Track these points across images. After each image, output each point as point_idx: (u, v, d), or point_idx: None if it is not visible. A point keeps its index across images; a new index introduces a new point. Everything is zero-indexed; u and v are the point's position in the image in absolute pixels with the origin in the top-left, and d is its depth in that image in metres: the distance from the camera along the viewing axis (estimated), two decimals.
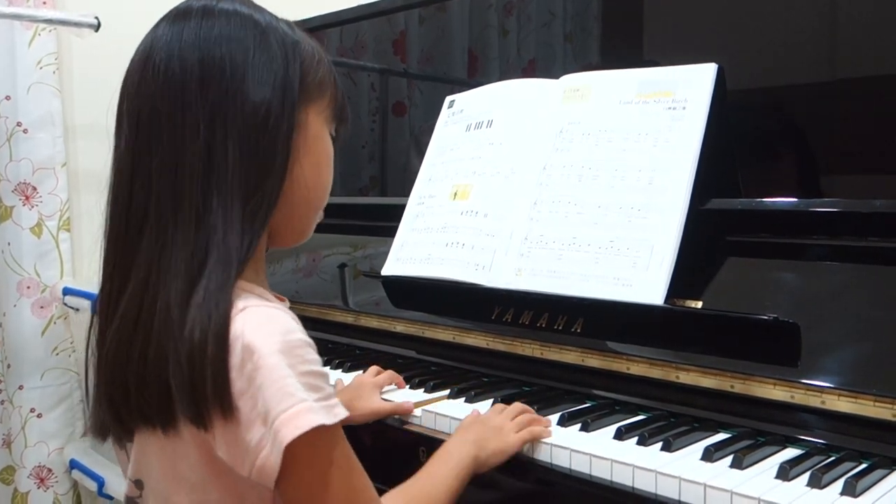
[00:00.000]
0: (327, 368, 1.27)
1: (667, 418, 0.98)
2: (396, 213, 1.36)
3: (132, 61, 0.76)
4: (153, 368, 0.69)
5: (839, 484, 0.78)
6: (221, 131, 0.72)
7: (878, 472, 0.81)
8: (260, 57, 0.74)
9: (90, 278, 2.06)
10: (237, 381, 0.67)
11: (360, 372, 1.21)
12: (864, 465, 0.82)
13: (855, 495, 0.76)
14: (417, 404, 1.06)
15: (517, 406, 0.97)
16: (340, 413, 0.70)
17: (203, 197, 0.71)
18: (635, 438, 0.90)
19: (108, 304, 0.74)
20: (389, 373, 1.14)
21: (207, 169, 0.71)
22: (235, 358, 0.67)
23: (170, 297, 0.69)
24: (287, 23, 0.79)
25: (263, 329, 0.68)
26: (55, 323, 2.05)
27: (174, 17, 0.76)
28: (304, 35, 0.80)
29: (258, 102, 0.73)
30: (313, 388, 0.68)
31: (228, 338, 0.67)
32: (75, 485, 2.09)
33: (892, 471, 0.82)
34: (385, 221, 1.40)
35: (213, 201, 0.71)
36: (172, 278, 0.69)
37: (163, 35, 0.74)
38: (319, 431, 0.67)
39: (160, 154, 0.72)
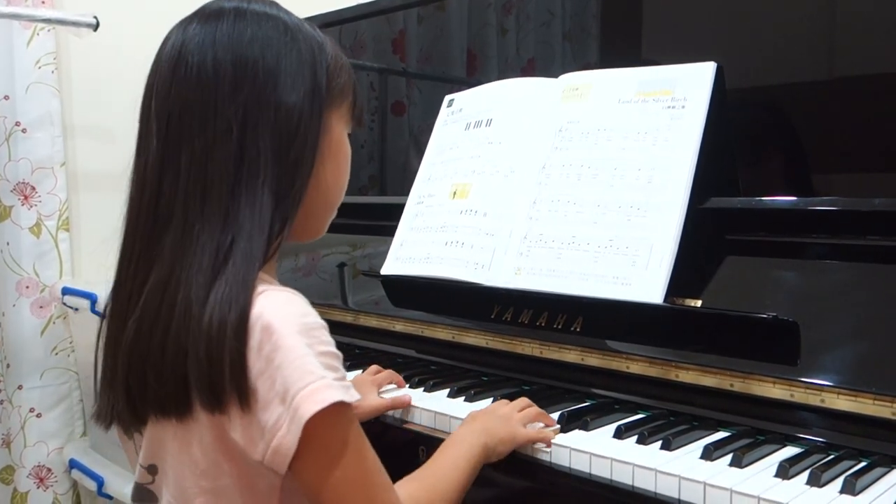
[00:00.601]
0: None
1: (666, 417, 0.98)
2: (396, 212, 1.36)
3: (161, 60, 0.77)
4: (171, 361, 0.70)
5: (838, 482, 0.78)
6: (253, 132, 0.73)
7: (878, 471, 0.81)
8: (291, 61, 0.76)
9: (89, 278, 2.05)
10: (255, 363, 0.68)
11: (360, 371, 1.21)
12: (863, 464, 0.83)
13: (854, 493, 0.76)
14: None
15: (523, 400, 0.98)
16: (355, 394, 0.71)
17: (232, 195, 0.72)
18: (635, 437, 0.90)
19: (129, 295, 0.74)
20: (389, 371, 1.15)
21: (238, 168, 0.73)
22: (254, 339, 0.68)
23: (191, 291, 0.70)
24: (311, 24, 0.81)
25: (282, 310, 0.70)
26: (54, 323, 2.04)
27: (206, 17, 0.76)
28: (326, 38, 0.81)
29: (290, 106, 0.74)
30: (331, 367, 0.70)
31: (248, 326, 0.68)
32: (75, 484, 2.09)
33: (892, 469, 0.82)
34: (384, 221, 1.40)
35: (241, 199, 0.72)
36: (195, 273, 0.70)
37: (194, 35, 0.75)
38: (338, 408, 0.68)
39: (190, 151, 0.73)
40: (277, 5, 0.79)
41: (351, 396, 0.70)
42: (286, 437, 0.67)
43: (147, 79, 0.77)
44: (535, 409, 0.96)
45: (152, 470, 0.80)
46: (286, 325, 0.69)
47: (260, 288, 0.71)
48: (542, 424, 0.95)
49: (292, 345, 0.68)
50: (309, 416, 0.66)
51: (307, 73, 0.76)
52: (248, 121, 0.73)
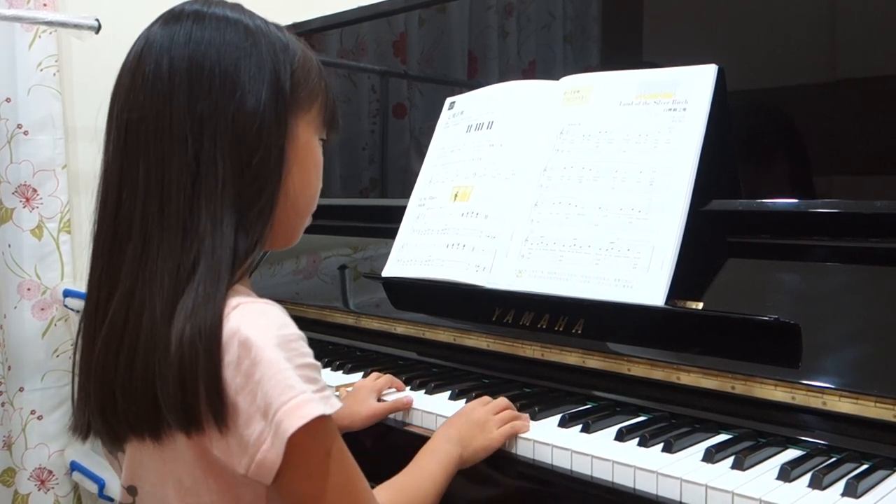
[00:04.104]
0: (328, 370, 1.27)
1: (668, 419, 0.98)
2: (397, 214, 1.36)
3: (123, 64, 0.76)
4: (140, 380, 0.69)
5: (840, 485, 0.78)
6: (210, 143, 0.71)
7: (880, 473, 0.81)
8: (250, 66, 0.73)
9: None
10: (235, 379, 0.67)
11: (361, 374, 1.21)
12: (865, 466, 0.82)
13: (856, 496, 0.76)
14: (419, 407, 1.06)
15: (502, 401, 0.98)
16: (336, 403, 0.71)
17: (190, 208, 0.70)
18: (636, 440, 0.90)
19: (95, 309, 0.73)
20: (388, 376, 1.14)
21: (195, 180, 0.71)
22: (232, 355, 0.67)
23: (155, 308, 0.69)
24: (278, 27, 0.79)
25: (259, 324, 0.69)
26: (56, 325, 2.04)
27: (165, 20, 0.75)
28: (295, 40, 0.79)
29: (249, 113, 0.72)
30: (310, 380, 0.69)
31: (220, 346, 0.67)
32: (76, 487, 2.09)
33: (894, 472, 0.82)
34: (385, 223, 1.40)
35: (201, 212, 0.70)
36: (157, 289, 0.69)
37: (153, 41, 0.74)
38: (320, 422, 0.68)
39: (147, 162, 0.72)
40: (241, 8, 0.77)
41: (331, 408, 0.69)
42: (270, 451, 0.67)
43: (114, 84, 0.76)
44: (510, 413, 0.96)
45: (132, 491, 0.79)
46: (264, 339, 0.68)
47: (234, 301, 0.70)
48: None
49: (271, 358, 0.67)
50: (292, 431, 0.66)
51: (269, 77, 0.74)
52: (204, 130, 0.71)
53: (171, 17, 0.75)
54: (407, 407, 1.05)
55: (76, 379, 0.77)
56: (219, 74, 0.72)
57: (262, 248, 0.75)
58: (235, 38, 0.74)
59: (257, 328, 0.68)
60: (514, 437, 0.93)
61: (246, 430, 0.67)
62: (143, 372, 0.68)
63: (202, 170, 0.71)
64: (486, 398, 0.99)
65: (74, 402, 0.78)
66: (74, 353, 0.78)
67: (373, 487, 0.77)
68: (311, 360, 0.71)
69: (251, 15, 0.77)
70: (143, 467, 0.77)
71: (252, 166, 0.72)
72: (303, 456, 0.68)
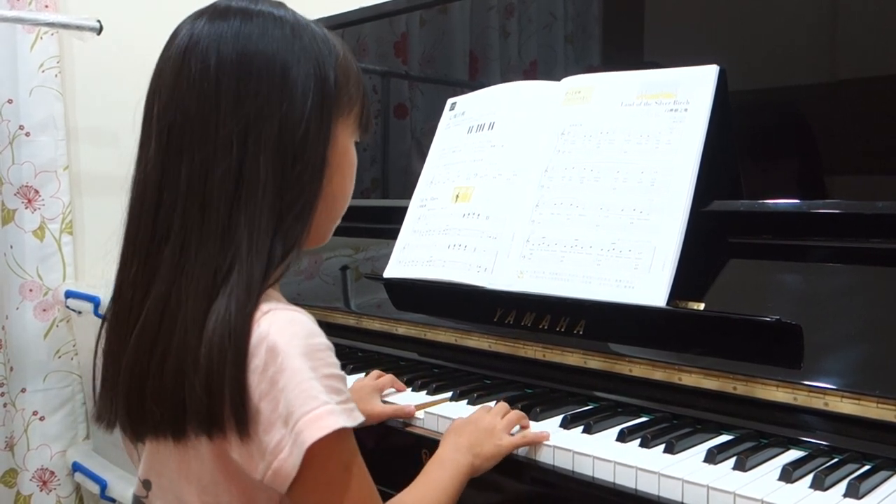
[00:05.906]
0: None
1: (669, 420, 0.98)
2: (398, 215, 1.36)
3: (164, 58, 0.74)
4: (170, 382, 0.69)
5: (842, 486, 0.78)
6: (255, 147, 0.71)
7: (882, 474, 0.81)
8: (298, 70, 0.72)
9: (92, 281, 2.06)
10: (259, 384, 0.67)
11: (363, 375, 1.21)
12: (867, 467, 0.82)
13: (858, 497, 0.76)
14: (419, 406, 1.06)
15: (503, 405, 0.97)
16: (359, 416, 0.70)
17: (230, 213, 0.70)
18: (638, 440, 0.90)
19: (129, 309, 0.73)
20: (390, 377, 1.14)
21: (238, 186, 0.70)
22: (259, 360, 0.67)
23: (188, 313, 0.69)
24: (318, 24, 0.77)
25: (288, 332, 0.69)
26: (57, 326, 2.05)
27: (211, 16, 0.73)
28: (336, 39, 0.78)
29: (295, 118, 0.72)
30: (335, 391, 0.69)
31: (247, 353, 0.67)
32: (78, 488, 2.09)
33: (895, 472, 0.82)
34: (387, 224, 1.40)
35: (240, 218, 0.70)
36: (193, 294, 0.69)
37: (199, 39, 0.72)
38: (340, 434, 0.68)
39: (190, 165, 0.71)
40: (284, 5, 0.76)
41: (354, 420, 0.69)
42: (287, 460, 0.67)
43: (151, 79, 0.75)
44: (515, 413, 0.95)
45: (146, 485, 0.79)
46: (291, 347, 0.68)
47: (265, 307, 0.69)
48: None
49: (297, 367, 0.67)
50: (311, 442, 0.66)
51: (315, 84, 0.73)
52: (248, 136, 0.70)
53: (216, 13, 0.73)
54: (409, 416, 1.04)
55: (97, 370, 0.77)
56: (266, 78, 0.71)
57: (298, 251, 0.74)
58: (283, 40, 0.73)
59: (286, 335, 0.68)
60: (526, 445, 0.92)
61: (266, 436, 0.67)
62: (174, 374, 0.68)
63: (245, 175, 0.70)
64: (488, 406, 0.98)
65: (97, 393, 0.77)
66: (96, 348, 0.78)
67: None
68: (337, 370, 0.71)
69: (293, 12, 0.76)
70: (162, 463, 0.77)
71: (294, 172, 0.72)
72: (320, 467, 0.68)
